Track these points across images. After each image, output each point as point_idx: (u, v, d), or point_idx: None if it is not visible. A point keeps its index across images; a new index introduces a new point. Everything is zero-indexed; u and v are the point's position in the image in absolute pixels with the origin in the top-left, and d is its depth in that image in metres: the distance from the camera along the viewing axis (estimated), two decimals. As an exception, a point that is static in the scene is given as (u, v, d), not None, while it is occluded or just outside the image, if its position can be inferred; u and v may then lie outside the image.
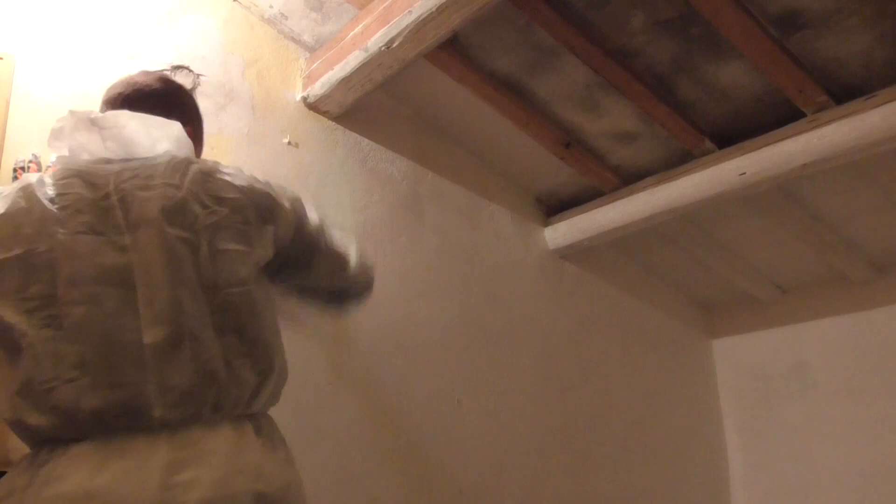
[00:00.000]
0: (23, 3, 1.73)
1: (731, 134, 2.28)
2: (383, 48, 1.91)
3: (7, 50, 1.67)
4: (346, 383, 2.04)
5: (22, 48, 1.71)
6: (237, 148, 2.02)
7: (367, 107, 2.26)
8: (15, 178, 1.55)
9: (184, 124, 1.24)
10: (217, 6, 2.08)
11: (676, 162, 2.42)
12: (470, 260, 2.49)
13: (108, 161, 1.13)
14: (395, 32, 1.86)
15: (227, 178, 1.15)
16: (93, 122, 1.14)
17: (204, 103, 2.00)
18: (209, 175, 1.13)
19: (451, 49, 2.09)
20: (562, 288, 2.79)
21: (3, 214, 1.05)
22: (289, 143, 2.13)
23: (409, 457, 2.11)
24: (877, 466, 2.73)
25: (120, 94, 1.25)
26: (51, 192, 1.06)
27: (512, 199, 2.71)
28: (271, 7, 2.12)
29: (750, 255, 2.90)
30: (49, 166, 1.58)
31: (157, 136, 1.17)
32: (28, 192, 1.06)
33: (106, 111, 1.22)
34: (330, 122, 2.23)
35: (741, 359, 3.26)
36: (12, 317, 0.99)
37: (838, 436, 2.86)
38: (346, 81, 2.07)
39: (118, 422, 0.97)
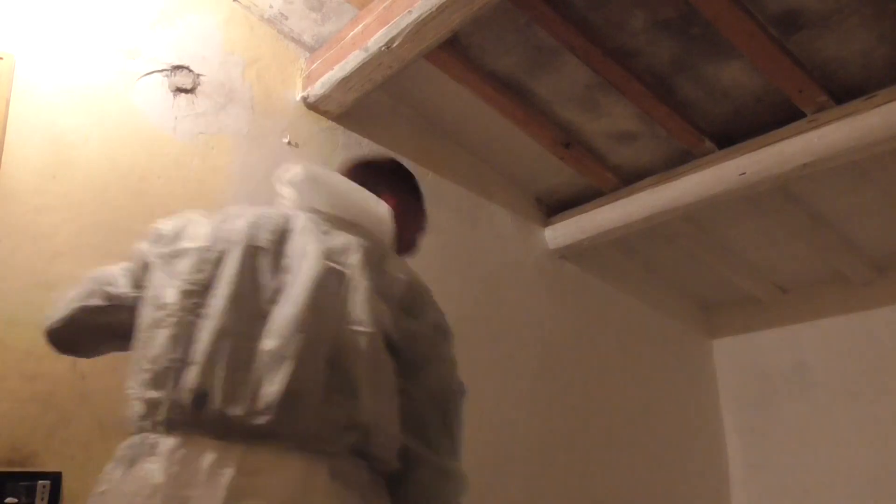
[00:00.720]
0: (23, 3, 1.73)
1: (731, 134, 2.28)
2: (383, 48, 1.91)
3: (7, 49, 1.67)
4: (346, 383, 2.03)
5: (22, 48, 1.71)
6: (237, 148, 2.03)
7: (367, 107, 2.26)
8: None
9: (390, 196, 1.33)
10: (217, 6, 2.08)
11: (676, 162, 2.42)
12: (470, 260, 2.48)
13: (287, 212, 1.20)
14: (395, 32, 1.86)
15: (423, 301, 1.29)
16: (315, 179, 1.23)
17: (204, 103, 2.01)
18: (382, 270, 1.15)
19: (451, 49, 2.09)
20: (562, 288, 2.79)
21: (204, 222, 1.17)
22: (289, 143, 2.13)
23: (409, 457, 2.11)
24: (877, 466, 2.73)
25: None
26: (243, 221, 1.15)
27: (512, 199, 2.71)
28: (271, 7, 2.12)
29: (750, 255, 2.90)
30: None
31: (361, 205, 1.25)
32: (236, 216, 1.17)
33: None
34: (330, 122, 2.23)
35: (741, 359, 3.26)
36: (171, 296, 1.07)
37: (838, 436, 2.86)
38: (346, 81, 2.07)
39: (210, 413, 0.98)
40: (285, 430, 0.98)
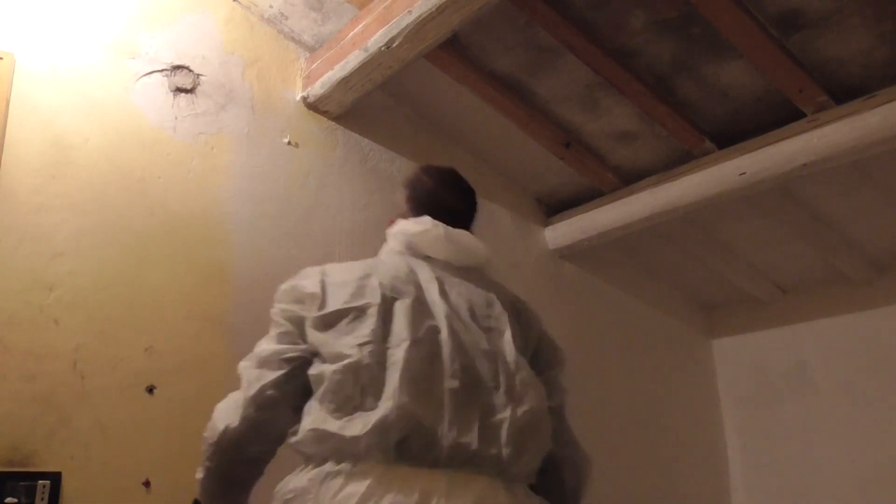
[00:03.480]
0: (23, 3, 1.73)
1: (731, 134, 2.28)
2: (383, 48, 1.91)
3: (7, 49, 1.67)
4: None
5: (22, 48, 1.71)
6: (237, 148, 2.03)
7: (367, 107, 2.27)
8: None
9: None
10: (217, 6, 2.08)
11: (676, 162, 2.42)
12: (470, 260, 2.48)
13: (432, 260, 1.34)
14: (395, 32, 1.86)
15: (523, 306, 1.45)
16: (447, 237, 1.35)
17: (204, 103, 2.01)
18: (500, 294, 1.41)
19: (451, 49, 2.09)
20: (562, 288, 2.79)
21: (343, 282, 1.25)
22: (289, 143, 2.13)
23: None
24: (877, 466, 2.73)
25: (439, 206, 1.42)
26: (382, 269, 1.28)
27: (512, 199, 2.71)
28: (271, 7, 2.12)
29: (750, 255, 2.90)
30: None
31: (473, 250, 1.41)
32: (369, 269, 1.28)
33: (423, 208, 1.40)
34: (330, 122, 2.24)
35: (741, 359, 3.26)
36: (347, 349, 1.16)
37: (838, 436, 2.86)
38: (345, 81, 2.07)
39: (412, 450, 1.08)
40: (484, 467, 1.14)
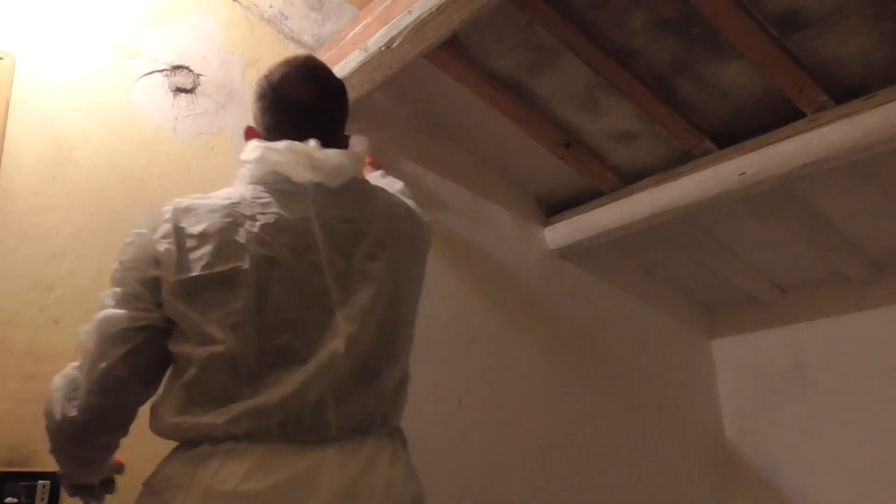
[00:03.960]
0: (23, 3, 1.73)
1: (731, 134, 2.28)
2: (383, 48, 1.91)
3: (7, 49, 1.67)
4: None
5: (22, 48, 1.71)
6: (237, 148, 2.02)
7: (367, 107, 2.26)
8: None
9: (344, 130, 1.27)
10: (217, 6, 2.08)
11: (676, 162, 2.42)
12: (470, 260, 2.49)
13: (303, 185, 1.14)
14: (395, 32, 1.86)
15: (402, 211, 1.26)
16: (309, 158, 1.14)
17: (204, 103, 2.01)
18: (391, 209, 1.23)
19: (451, 49, 2.09)
20: (562, 288, 2.79)
21: (201, 234, 1.07)
22: (289, 143, 2.13)
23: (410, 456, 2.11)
24: (877, 466, 2.73)
25: (292, 107, 1.22)
26: (250, 211, 1.10)
27: (512, 199, 2.71)
28: (271, 7, 2.12)
29: (750, 255, 2.90)
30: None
31: (353, 169, 1.20)
32: (230, 213, 1.10)
33: (278, 112, 1.21)
34: (330, 122, 2.23)
35: (741, 359, 3.26)
36: (215, 331, 1.03)
37: (838, 436, 2.86)
38: (346, 81, 2.05)
39: (299, 435, 1.02)
40: (374, 427, 1.12)
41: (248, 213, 1.09)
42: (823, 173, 2.20)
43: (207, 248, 1.06)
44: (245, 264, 1.05)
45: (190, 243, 1.07)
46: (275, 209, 1.10)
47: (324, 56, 2.13)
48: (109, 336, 1.06)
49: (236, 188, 1.16)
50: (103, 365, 1.05)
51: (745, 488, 3.12)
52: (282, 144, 1.13)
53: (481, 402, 2.36)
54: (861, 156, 2.06)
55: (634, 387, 2.92)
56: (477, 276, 2.49)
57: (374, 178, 1.78)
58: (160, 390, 1.10)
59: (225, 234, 1.07)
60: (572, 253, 2.79)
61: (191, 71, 2.00)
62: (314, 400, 1.03)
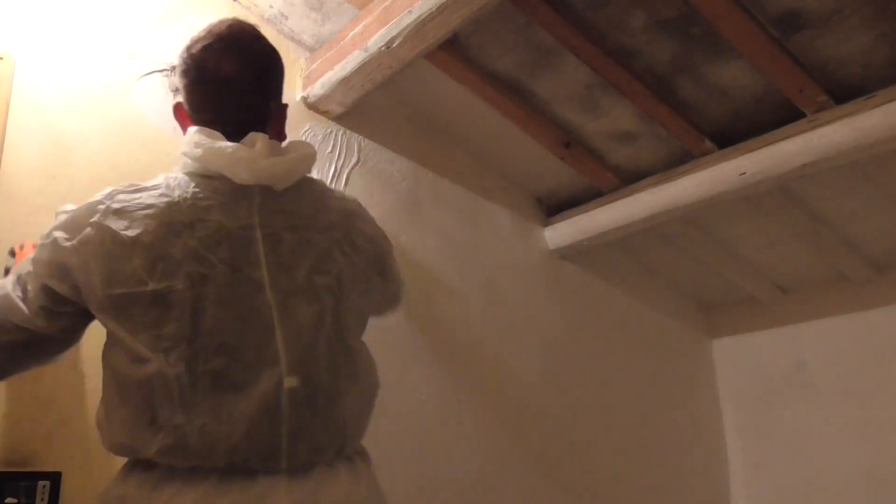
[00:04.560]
0: (23, 3, 1.73)
1: (731, 134, 2.28)
2: (383, 48, 1.91)
3: (7, 50, 1.67)
4: (346, 383, 2.03)
5: (22, 48, 1.71)
6: (237, 148, 2.03)
7: (367, 107, 2.26)
8: (11, 251, 1.46)
9: (280, 100, 1.16)
10: (217, 6, 2.08)
11: (676, 162, 2.42)
12: (470, 260, 2.49)
13: (249, 188, 1.05)
14: (395, 32, 1.86)
15: (360, 223, 1.16)
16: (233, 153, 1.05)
17: (204, 103, 2.01)
18: (347, 218, 1.13)
19: (451, 49, 2.09)
20: (562, 288, 2.79)
21: (134, 243, 0.98)
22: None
23: (409, 457, 2.11)
24: (877, 466, 2.73)
25: (211, 83, 1.10)
26: (189, 217, 1.01)
27: (512, 199, 2.71)
28: (271, 7, 2.12)
29: (750, 255, 2.90)
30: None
31: (301, 170, 1.11)
32: (168, 220, 1.00)
33: (198, 88, 1.11)
34: (330, 122, 2.24)
35: (741, 359, 3.26)
36: (147, 353, 0.96)
37: (838, 436, 2.86)
38: (346, 81, 2.07)
39: (246, 464, 0.96)
40: (328, 457, 1.06)
41: (185, 218, 1.00)
42: (823, 173, 2.20)
43: (139, 261, 0.97)
44: (179, 284, 0.96)
45: (120, 252, 0.98)
46: (215, 215, 1.02)
47: (324, 56, 2.13)
48: (15, 310, 1.03)
49: (176, 179, 1.06)
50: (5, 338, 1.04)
51: (744, 488, 3.12)
52: (224, 147, 1.04)
53: (481, 402, 2.36)
54: (861, 156, 2.06)
55: (634, 387, 2.92)
56: (477, 276, 2.49)
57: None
58: (104, 405, 1.03)
59: (159, 247, 0.98)
60: (572, 253, 2.79)
61: (191, 71, 2.00)
62: (267, 437, 0.96)
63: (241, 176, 1.04)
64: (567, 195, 2.75)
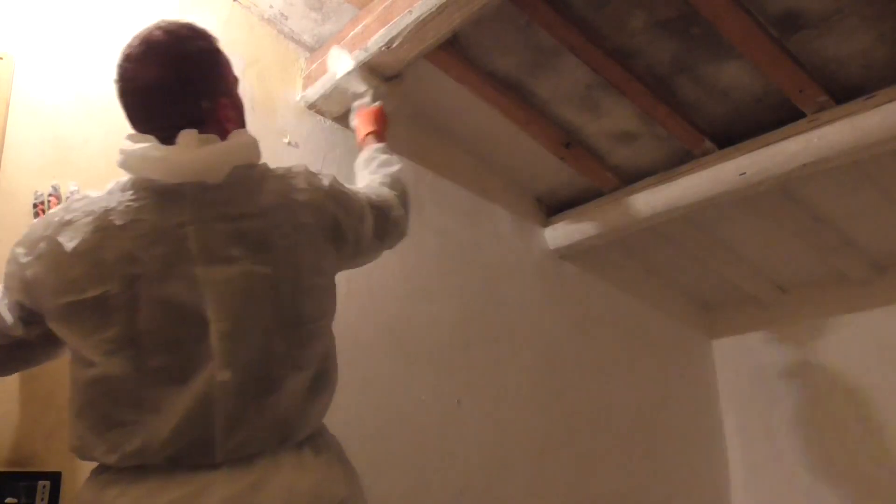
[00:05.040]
0: (23, 3, 1.73)
1: (731, 134, 2.28)
2: (383, 48, 1.91)
3: (7, 50, 1.67)
4: (346, 383, 2.03)
5: (22, 48, 1.70)
6: (237, 148, 2.03)
7: (366, 107, 2.26)
8: (36, 214, 1.52)
9: (216, 98, 1.13)
10: (217, 6, 2.08)
11: (676, 162, 2.42)
12: (470, 260, 2.48)
13: (181, 185, 1.05)
14: (395, 32, 1.86)
15: (303, 197, 1.11)
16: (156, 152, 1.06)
17: (204, 103, 2.01)
18: (287, 197, 1.10)
19: (451, 49, 2.09)
20: (562, 288, 2.79)
21: (74, 252, 1.02)
22: (289, 143, 2.13)
23: (410, 457, 2.11)
24: (876, 466, 2.73)
25: (133, 95, 1.12)
26: (122, 219, 1.03)
27: (512, 199, 2.71)
28: (271, 7, 2.12)
29: (750, 255, 2.90)
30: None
31: (229, 161, 1.09)
32: (102, 224, 1.03)
33: (126, 100, 1.13)
34: (330, 122, 2.23)
35: (741, 359, 3.26)
36: (93, 357, 1.00)
37: (838, 436, 2.86)
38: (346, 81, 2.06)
39: (185, 458, 0.98)
40: (269, 448, 1.04)
41: (120, 221, 1.02)
42: (823, 173, 2.20)
43: (79, 270, 1.01)
44: (114, 288, 0.99)
45: (65, 262, 1.02)
46: (147, 215, 1.03)
47: (324, 56, 2.13)
48: None
49: (119, 184, 1.09)
50: None
51: (744, 488, 3.12)
52: (138, 150, 1.05)
53: (481, 402, 2.36)
54: (861, 156, 2.06)
55: (634, 387, 2.92)
56: (477, 276, 2.49)
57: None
58: (68, 410, 1.08)
59: (95, 253, 1.01)
60: (572, 253, 2.79)
61: (191, 71, 2.00)
62: (199, 430, 0.97)
63: (162, 175, 1.04)
64: (567, 195, 2.75)
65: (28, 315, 1.10)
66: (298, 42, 2.22)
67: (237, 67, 1.26)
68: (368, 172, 1.53)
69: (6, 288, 1.12)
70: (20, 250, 1.09)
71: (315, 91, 2.14)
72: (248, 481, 0.97)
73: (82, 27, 1.83)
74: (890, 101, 1.93)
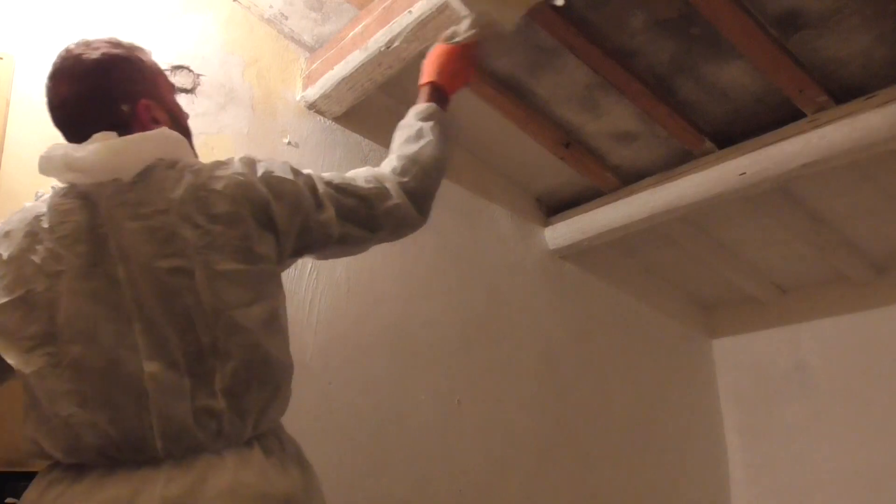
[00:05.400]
0: (23, 3, 1.73)
1: (731, 134, 2.28)
2: (383, 48, 1.91)
3: (7, 50, 1.67)
4: (346, 383, 2.03)
5: (22, 48, 1.70)
6: (237, 148, 2.03)
7: (367, 107, 2.26)
8: None
9: (135, 101, 1.14)
10: (217, 6, 2.08)
11: (676, 162, 2.42)
12: (470, 260, 2.48)
13: (101, 183, 1.07)
14: (395, 32, 1.86)
15: (220, 185, 1.08)
16: (72, 158, 1.08)
17: (204, 103, 2.01)
18: (200, 188, 1.07)
19: (451, 49, 2.09)
20: (562, 288, 2.79)
21: (7, 260, 1.06)
22: (289, 143, 2.13)
23: (410, 457, 2.11)
24: (877, 466, 2.73)
25: (55, 111, 1.15)
26: (50, 221, 1.06)
27: (512, 199, 2.71)
28: (271, 7, 2.12)
29: (750, 255, 2.90)
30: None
31: (137, 155, 1.09)
32: (32, 229, 1.07)
33: (52, 116, 1.16)
34: (330, 122, 2.24)
35: (741, 359, 3.26)
36: (13, 357, 1.02)
37: (838, 436, 2.86)
38: (346, 81, 2.07)
39: (121, 454, 0.97)
40: (205, 442, 1.01)
41: (47, 224, 1.06)
42: (823, 173, 2.20)
43: (10, 276, 1.04)
44: (39, 285, 1.02)
45: (1, 271, 1.06)
46: (74, 217, 1.06)
47: (324, 56, 2.14)
48: None
49: (54, 189, 1.13)
50: None
51: (744, 488, 3.12)
52: (45, 153, 1.09)
53: (481, 402, 2.36)
54: (861, 156, 2.06)
55: (634, 387, 2.92)
56: (477, 276, 2.49)
57: None
58: None
59: (24, 256, 1.05)
60: (572, 253, 2.79)
61: (190, 71, 2.00)
62: (134, 425, 0.97)
63: (73, 177, 1.08)
64: (567, 195, 2.75)
65: None
66: (298, 42, 2.22)
67: (183, 75, 1.28)
68: (393, 149, 1.42)
69: None
70: None
71: (315, 91, 2.14)
72: (189, 479, 0.95)
73: (82, 27, 1.83)
74: (890, 101, 1.93)
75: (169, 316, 1.00)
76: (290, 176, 1.17)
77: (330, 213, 1.18)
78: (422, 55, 1.53)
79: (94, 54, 1.14)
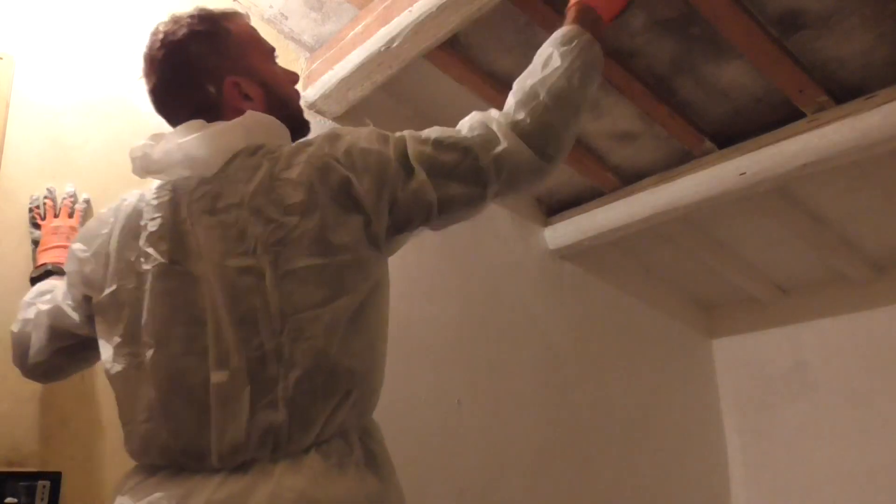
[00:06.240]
0: (23, 4, 1.73)
1: (731, 134, 2.28)
2: (383, 48, 1.91)
3: (7, 50, 1.67)
4: (346, 383, 2.03)
5: (22, 48, 1.70)
6: (237, 148, 2.03)
7: (367, 107, 2.26)
8: (32, 218, 1.58)
9: (221, 80, 1.09)
10: (217, 6, 2.08)
11: (676, 162, 2.42)
12: (470, 260, 2.48)
13: (187, 180, 1.04)
14: (395, 32, 1.86)
15: (295, 173, 0.98)
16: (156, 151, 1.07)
17: (204, 103, 2.01)
18: (275, 178, 0.99)
19: (451, 49, 2.09)
20: (562, 288, 2.79)
21: (113, 250, 1.07)
22: (289, 143, 2.13)
23: (410, 457, 2.11)
24: (877, 466, 2.73)
25: (150, 97, 1.16)
26: (145, 218, 1.06)
27: (512, 199, 2.71)
28: (271, 7, 2.12)
29: (750, 255, 2.90)
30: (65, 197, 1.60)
31: (222, 147, 1.04)
32: (130, 221, 1.07)
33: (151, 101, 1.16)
34: (330, 122, 2.23)
35: (741, 359, 3.26)
36: (105, 353, 1.03)
37: (838, 436, 2.86)
38: (346, 81, 2.07)
39: (183, 461, 0.96)
40: (261, 456, 1.00)
41: (142, 220, 1.06)
42: (823, 173, 2.20)
43: (113, 267, 1.06)
44: (130, 283, 1.02)
45: (104, 262, 1.08)
46: (162, 213, 1.04)
47: (324, 56, 2.14)
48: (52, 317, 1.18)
49: (153, 184, 1.12)
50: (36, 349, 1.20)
51: (744, 488, 3.12)
52: (130, 152, 1.09)
53: (481, 402, 2.36)
54: (861, 156, 2.06)
55: (634, 387, 2.92)
56: (477, 276, 2.49)
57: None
58: None
59: (122, 251, 1.06)
60: (572, 253, 2.80)
61: (191, 71, 2.00)
62: (195, 434, 0.94)
63: (155, 173, 1.07)
64: (567, 195, 2.75)
65: (83, 312, 1.13)
66: (298, 42, 2.22)
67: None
68: (516, 83, 1.23)
69: (69, 285, 1.15)
70: (78, 246, 1.12)
71: (315, 91, 2.14)
72: (238, 486, 0.91)
73: (83, 28, 1.83)
74: (890, 101, 1.93)
75: (235, 319, 0.94)
76: (375, 146, 1.03)
77: (421, 177, 1.04)
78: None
79: (177, 35, 1.11)
